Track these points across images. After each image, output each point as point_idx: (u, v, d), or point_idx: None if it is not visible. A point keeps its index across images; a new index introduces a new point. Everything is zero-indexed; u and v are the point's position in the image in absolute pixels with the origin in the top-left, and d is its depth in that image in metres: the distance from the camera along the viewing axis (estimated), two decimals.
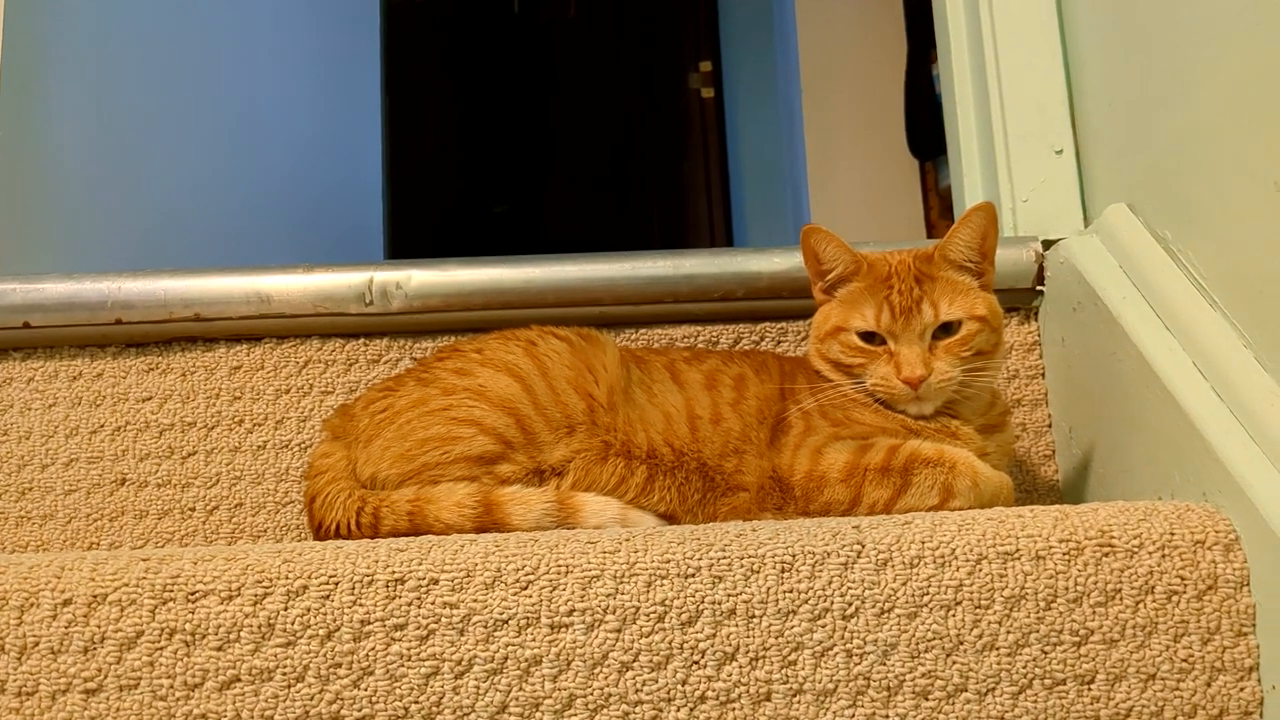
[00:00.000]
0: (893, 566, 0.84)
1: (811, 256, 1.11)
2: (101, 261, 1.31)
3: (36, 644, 0.81)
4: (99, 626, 0.81)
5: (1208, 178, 1.04)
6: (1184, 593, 0.84)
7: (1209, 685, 0.83)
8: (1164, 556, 0.85)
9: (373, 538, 0.96)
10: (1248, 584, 0.85)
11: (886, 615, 0.83)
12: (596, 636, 0.82)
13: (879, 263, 1.09)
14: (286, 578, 0.83)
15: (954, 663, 0.82)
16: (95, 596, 0.82)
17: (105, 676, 0.80)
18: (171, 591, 0.82)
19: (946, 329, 1.06)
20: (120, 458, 1.25)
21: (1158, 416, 1.02)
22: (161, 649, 0.81)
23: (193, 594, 0.82)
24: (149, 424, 1.25)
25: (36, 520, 1.23)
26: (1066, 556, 0.85)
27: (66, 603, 0.82)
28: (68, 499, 1.24)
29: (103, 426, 1.25)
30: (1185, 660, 0.83)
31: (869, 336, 1.07)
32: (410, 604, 0.82)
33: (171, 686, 0.80)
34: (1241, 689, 0.83)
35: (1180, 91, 1.08)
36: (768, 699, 0.81)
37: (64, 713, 0.80)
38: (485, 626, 0.82)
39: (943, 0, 1.49)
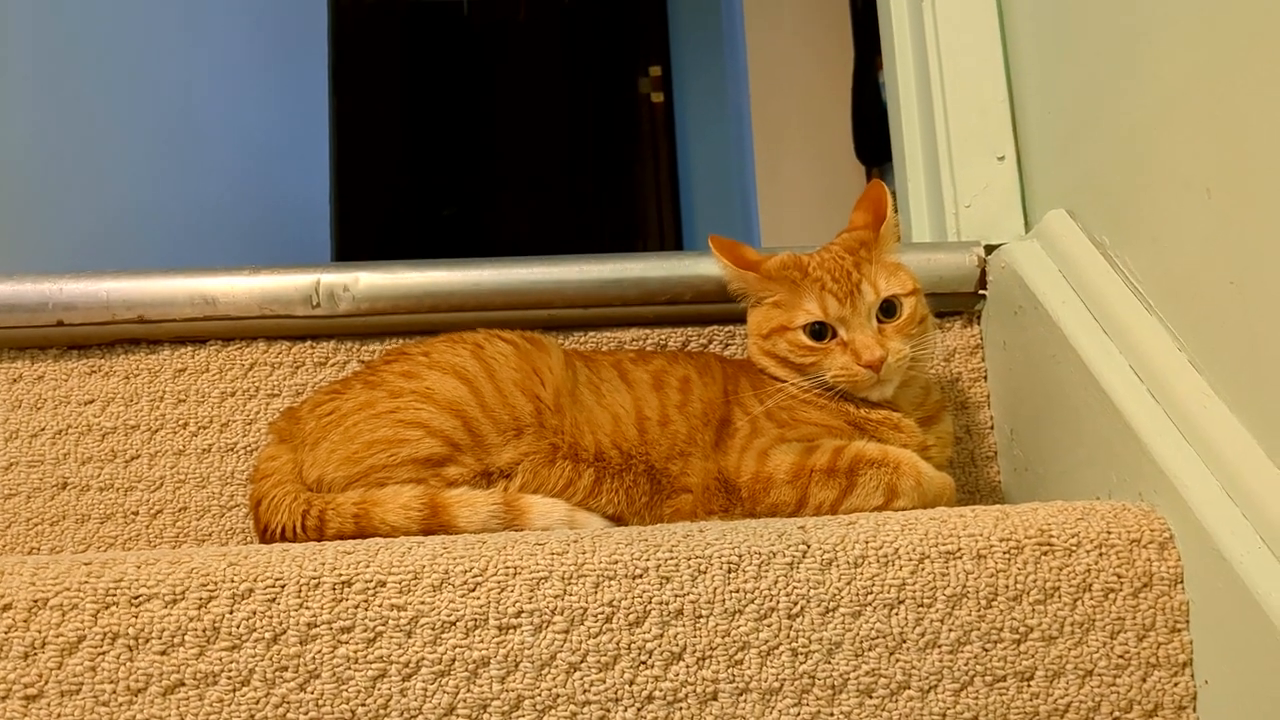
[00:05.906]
0: (837, 566, 0.85)
1: None
2: (41, 266, 1.28)
3: None
4: (39, 631, 0.80)
5: (1142, 184, 1.07)
6: (1120, 590, 0.86)
7: (1144, 680, 0.85)
8: (1101, 555, 0.87)
9: (319, 541, 0.95)
10: (1182, 581, 0.87)
11: (831, 614, 0.84)
12: (544, 638, 0.82)
13: (792, 265, 1.11)
14: (232, 581, 0.82)
15: (897, 661, 0.84)
16: (36, 601, 0.81)
17: (46, 682, 0.79)
18: (114, 595, 0.81)
19: (889, 309, 1.08)
20: (62, 461, 1.23)
21: (1095, 418, 1.04)
22: (104, 654, 0.80)
23: (136, 598, 0.81)
24: (91, 427, 1.24)
25: None
26: (1007, 555, 0.86)
27: (6, 608, 0.81)
28: (7, 504, 1.21)
29: (44, 430, 1.23)
30: (1121, 656, 0.85)
31: (818, 333, 1.08)
32: (357, 606, 0.82)
33: (114, 691, 0.80)
34: (1176, 684, 0.85)
35: (1113, 98, 1.11)
36: (714, 698, 0.82)
37: (3, 719, 0.79)
38: (433, 628, 0.82)
39: (887, 7, 1.51)
